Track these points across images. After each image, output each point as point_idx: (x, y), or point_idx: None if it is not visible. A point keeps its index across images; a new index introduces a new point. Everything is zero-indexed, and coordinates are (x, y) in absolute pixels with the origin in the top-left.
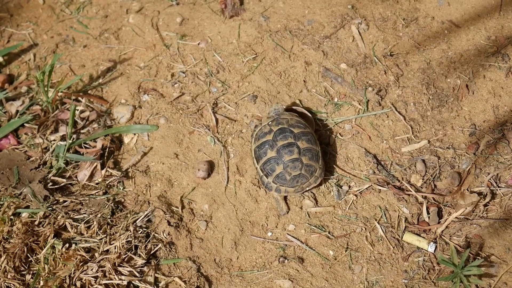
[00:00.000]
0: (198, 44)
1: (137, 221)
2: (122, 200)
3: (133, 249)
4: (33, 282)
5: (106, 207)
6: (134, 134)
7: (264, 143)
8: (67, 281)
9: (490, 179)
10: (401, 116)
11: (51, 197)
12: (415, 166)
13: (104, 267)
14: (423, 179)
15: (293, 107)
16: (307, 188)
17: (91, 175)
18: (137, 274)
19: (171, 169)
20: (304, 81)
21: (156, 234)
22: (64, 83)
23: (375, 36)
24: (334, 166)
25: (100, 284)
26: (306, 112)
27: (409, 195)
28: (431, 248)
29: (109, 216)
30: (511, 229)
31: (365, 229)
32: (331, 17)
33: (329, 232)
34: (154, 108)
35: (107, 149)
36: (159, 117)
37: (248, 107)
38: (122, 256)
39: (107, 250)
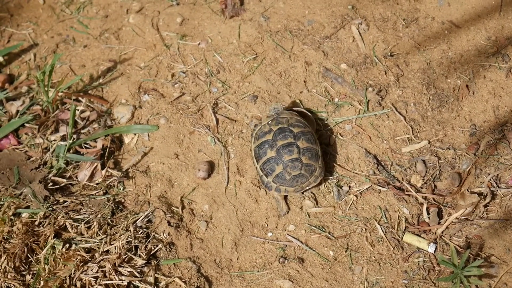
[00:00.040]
0: (199, 44)
1: (137, 222)
2: (122, 200)
3: (133, 249)
4: (33, 283)
5: (106, 207)
6: (135, 134)
7: (264, 143)
8: (67, 281)
9: (490, 179)
10: (401, 116)
11: (51, 197)
12: (415, 167)
13: (104, 267)
14: (423, 179)
15: (294, 108)
16: (307, 188)
17: (92, 175)
18: (137, 275)
19: (172, 169)
20: (304, 81)
21: (156, 235)
22: (65, 83)
23: (375, 37)
24: (334, 164)
25: (100, 285)
26: (306, 112)
27: (409, 195)
28: (431, 249)
29: (109, 217)
30: (511, 229)
31: (365, 229)
32: (331, 17)
33: (329, 233)
34: (155, 108)
35: (108, 149)
36: (160, 117)
37: (248, 107)
38: (122, 257)
39: (107, 251)
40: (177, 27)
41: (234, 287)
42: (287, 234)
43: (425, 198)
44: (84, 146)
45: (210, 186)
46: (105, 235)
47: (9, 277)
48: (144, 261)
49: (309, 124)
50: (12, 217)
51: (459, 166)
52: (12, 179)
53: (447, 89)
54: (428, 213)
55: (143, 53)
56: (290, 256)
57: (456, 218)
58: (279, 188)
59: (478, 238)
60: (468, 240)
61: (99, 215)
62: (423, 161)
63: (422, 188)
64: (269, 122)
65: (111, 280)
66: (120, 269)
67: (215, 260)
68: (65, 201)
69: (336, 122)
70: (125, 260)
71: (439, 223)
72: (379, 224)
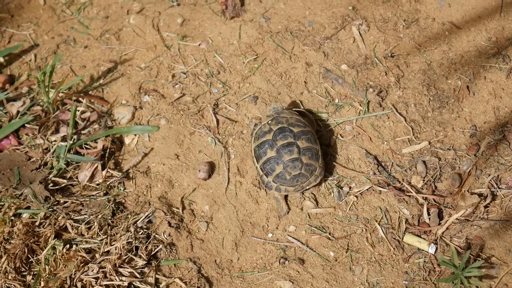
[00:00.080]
0: (199, 45)
1: (137, 222)
2: (123, 201)
3: (134, 250)
4: (34, 283)
5: (107, 208)
6: (135, 135)
7: (264, 143)
8: (68, 282)
9: (490, 180)
10: (401, 117)
11: (51, 198)
12: (416, 167)
13: (105, 268)
14: (423, 180)
15: (294, 109)
16: (307, 187)
17: (92, 176)
18: (138, 275)
19: (172, 170)
20: (305, 82)
21: (156, 235)
22: (65, 84)
23: (376, 37)
24: (335, 165)
25: (101, 285)
26: (306, 112)
27: (409, 196)
28: (431, 250)
29: (109, 217)
30: None
31: (366, 230)
32: (332, 18)
33: (329, 233)
34: (155, 109)
35: (108, 150)
36: (160, 118)
37: (249, 108)
38: (122, 257)
39: (108, 251)
40: (178, 27)
41: (234, 287)
42: (288, 235)
43: (426, 199)
44: (85, 147)
45: (211, 186)
46: (106, 236)
47: (9, 277)
48: (144, 262)
49: (308, 123)
50: (12, 218)
51: (459, 167)
52: (13, 180)
53: (448, 90)
54: (429, 214)
55: (143, 53)
56: (291, 257)
57: (457, 219)
58: (279, 188)
59: (478, 239)
60: (468, 241)
61: (100, 216)
62: (424, 162)
63: (422, 189)
64: (269, 122)
65: (112, 280)
66: (120, 269)
67: (215, 261)
68: (65, 202)
69: (336, 123)
70: (126, 260)
71: (439, 224)
72: (379, 225)
